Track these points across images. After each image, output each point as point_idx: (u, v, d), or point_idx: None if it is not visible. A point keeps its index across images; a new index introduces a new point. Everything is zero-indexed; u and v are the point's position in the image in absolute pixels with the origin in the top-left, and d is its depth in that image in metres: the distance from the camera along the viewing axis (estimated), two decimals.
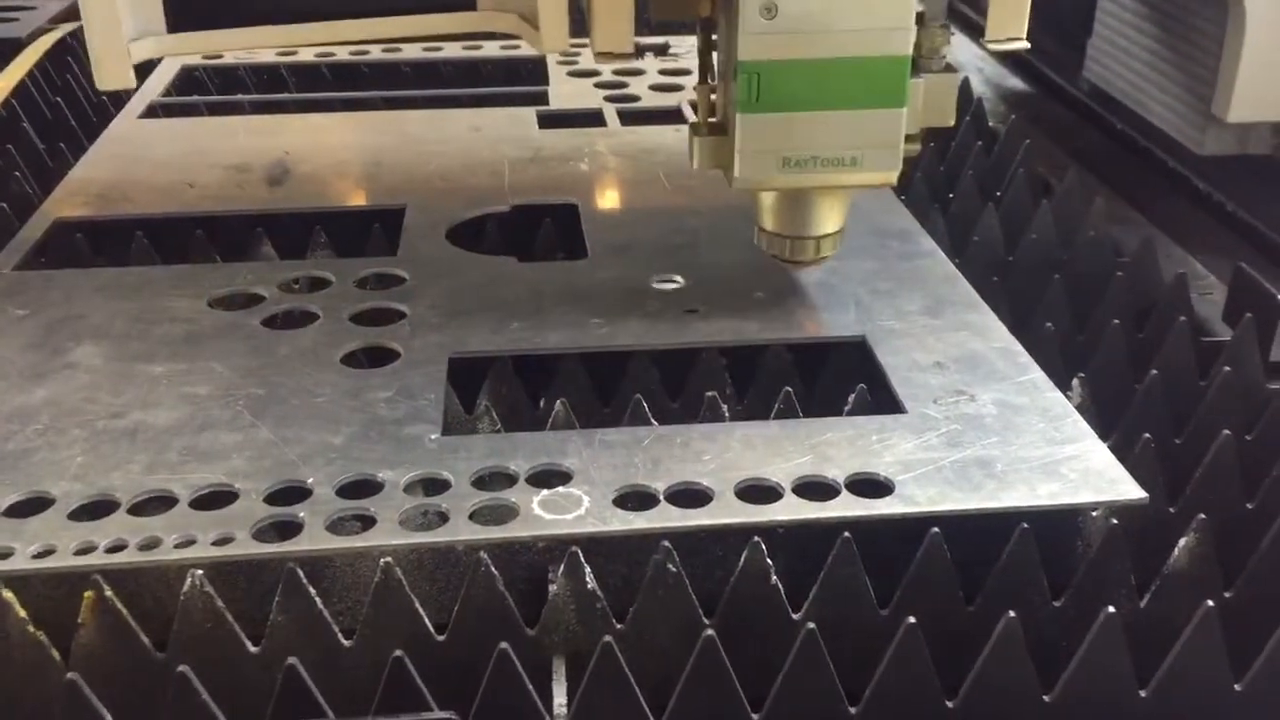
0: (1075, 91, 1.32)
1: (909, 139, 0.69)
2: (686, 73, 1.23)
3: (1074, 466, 0.61)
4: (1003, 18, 0.70)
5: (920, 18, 0.68)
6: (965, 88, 1.26)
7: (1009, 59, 1.47)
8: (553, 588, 0.57)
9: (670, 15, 0.71)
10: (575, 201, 0.93)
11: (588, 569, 0.56)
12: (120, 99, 1.18)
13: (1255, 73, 0.91)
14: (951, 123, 0.72)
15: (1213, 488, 0.65)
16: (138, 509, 0.59)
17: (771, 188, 0.72)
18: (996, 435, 0.64)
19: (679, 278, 0.81)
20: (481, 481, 0.60)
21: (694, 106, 0.82)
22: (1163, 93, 1.05)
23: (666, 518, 0.58)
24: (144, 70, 1.26)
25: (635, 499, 0.59)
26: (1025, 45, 0.70)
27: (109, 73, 0.74)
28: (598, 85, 1.21)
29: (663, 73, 1.25)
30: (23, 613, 0.54)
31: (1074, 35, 1.23)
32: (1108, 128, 1.25)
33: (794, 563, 0.59)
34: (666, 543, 0.56)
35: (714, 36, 0.71)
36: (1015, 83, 1.42)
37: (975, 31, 1.58)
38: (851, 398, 0.69)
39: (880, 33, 0.66)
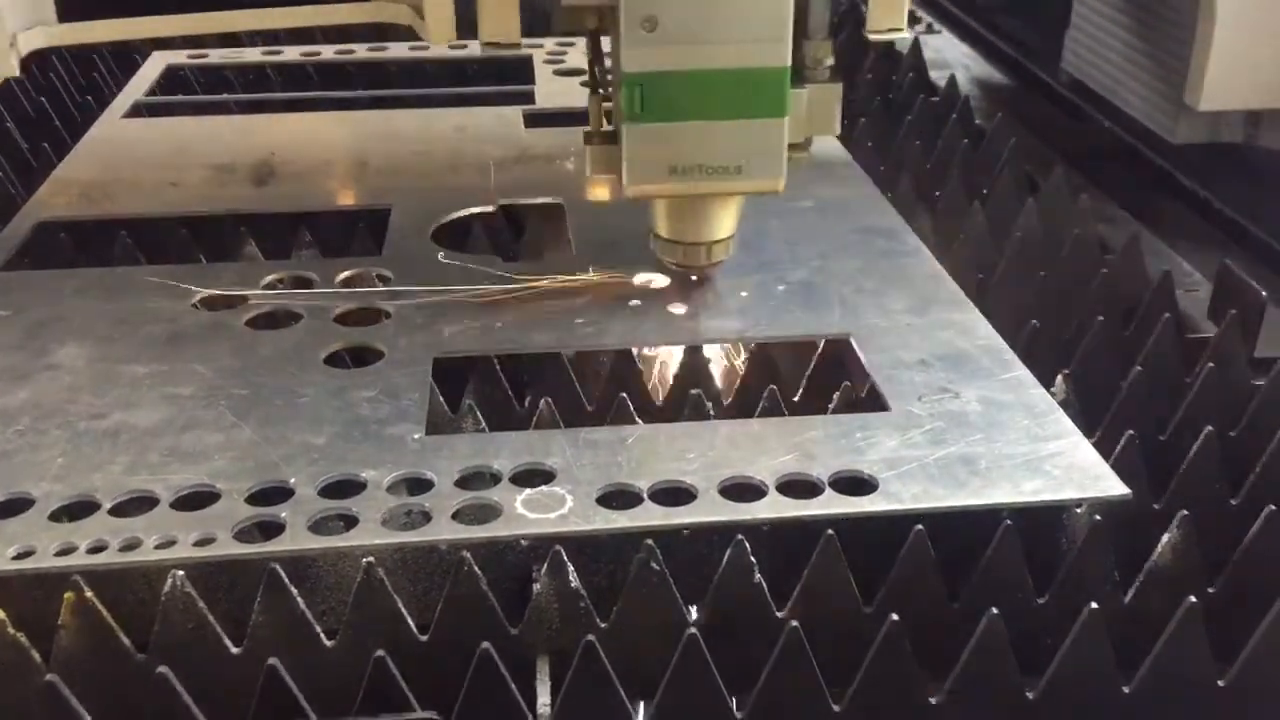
0: (1060, 88, 1.32)
1: (795, 147, 0.71)
2: None
3: (1058, 463, 0.61)
4: (881, 11, 0.72)
5: (804, 30, 0.70)
6: (951, 85, 1.26)
7: (994, 56, 1.48)
8: (536, 587, 0.57)
9: (567, 27, 0.72)
10: (561, 200, 0.93)
11: (571, 568, 0.56)
12: (105, 99, 1.18)
13: (1226, 61, 0.92)
14: (837, 131, 0.74)
15: (1197, 484, 0.65)
16: (119, 510, 0.58)
17: (661, 195, 0.73)
18: (981, 432, 0.64)
19: (663, 276, 0.81)
20: (465, 481, 0.60)
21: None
22: (1136, 82, 1.05)
23: (650, 516, 0.58)
24: (128, 69, 1.26)
25: (619, 498, 0.59)
26: (906, 35, 0.73)
27: None
28: (584, 84, 1.21)
29: None
30: (2, 614, 0.54)
31: (1056, 29, 1.23)
32: (1093, 123, 1.25)
33: (778, 561, 0.59)
34: (650, 541, 0.56)
35: (604, 48, 0.72)
36: (1001, 79, 1.42)
37: (959, 28, 1.59)
38: (836, 395, 0.69)
39: (758, 44, 0.67)
